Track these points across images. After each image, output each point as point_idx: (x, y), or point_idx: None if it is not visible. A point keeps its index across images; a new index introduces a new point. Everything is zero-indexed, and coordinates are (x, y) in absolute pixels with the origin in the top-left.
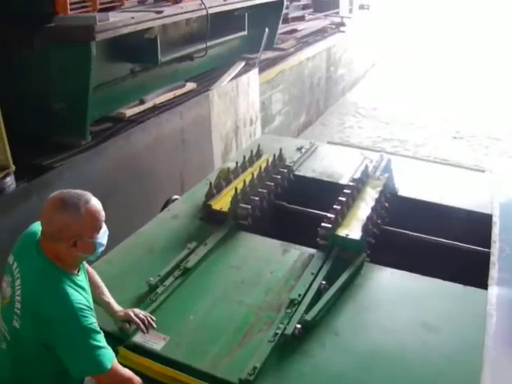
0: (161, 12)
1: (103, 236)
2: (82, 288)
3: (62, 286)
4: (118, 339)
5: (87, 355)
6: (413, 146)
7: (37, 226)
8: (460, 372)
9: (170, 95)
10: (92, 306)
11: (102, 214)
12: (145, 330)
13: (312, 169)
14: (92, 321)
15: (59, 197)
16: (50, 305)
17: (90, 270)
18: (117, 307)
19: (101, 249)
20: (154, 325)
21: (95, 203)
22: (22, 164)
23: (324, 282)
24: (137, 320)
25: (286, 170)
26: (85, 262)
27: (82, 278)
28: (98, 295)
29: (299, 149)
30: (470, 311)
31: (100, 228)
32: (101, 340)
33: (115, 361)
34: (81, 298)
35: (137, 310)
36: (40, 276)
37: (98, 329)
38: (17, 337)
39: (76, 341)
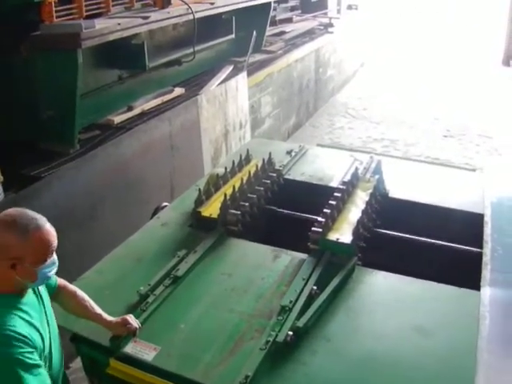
0: (147, 18)
1: (49, 268)
2: (24, 312)
3: None
4: (108, 350)
5: None
6: (403, 145)
7: None
8: (454, 375)
9: (158, 101)
10: (42, 331)
11: (52, 244)
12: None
13: (302, 172)
14: (21, 350)
15: (11, 214)
16: None
17: (71, 287)
18: (110, 317)
19: (45, 281)
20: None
21: (47, 232)
22: (9, 174)
23: (315, 288)
24: (136, 325)
25: (275, 174)
26: (63, 281)
27: (27, 301)
28: (86, 310)
29: (289, 152)
30: (463, 313)
31: (46, 258)
32: (30, 371)
33: None
34: (16, 324)
35: (132, 316)
36: None
37: (31, 360)
38: None
39: (3, 370)
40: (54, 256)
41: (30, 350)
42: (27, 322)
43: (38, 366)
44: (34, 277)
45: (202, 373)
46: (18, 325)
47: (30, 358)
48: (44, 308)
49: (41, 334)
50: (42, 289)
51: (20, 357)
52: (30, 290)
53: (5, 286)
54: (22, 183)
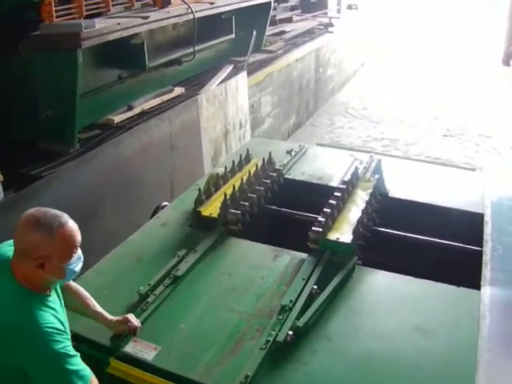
0: (147, 17)
1: (76, 263)
2: (53, 309)
3: (31, 310)
4: (108, 350)
5: (59, 382)
6: (403, 144)
7: (4, 247)
8: (455, 375)
9: (158, 100)
10: (66, 327)
11: (77, 239)
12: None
13: (302, 172)
14: (64, 344)
15: (34, 214)
16: (19, 331)
17: (74, 284)
18: (110, 316)
19: (72, 276)
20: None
21: (70, 228)
22: (10, 173)
23: (315, 287)
24: (136, 323)
25: (275, 174)
26: None
27: (52, 299)
28: (88, 308)
29: (289, 152)
30: (463, 312)
31: (72, 254)
32: (74, 363)
33: (91, 380)
34: (52, 320)
35: (133, 315)
36: (8, 300)
37: (71, 351)
38: None
39: (47, 367)
40: (79, 251)
41: (68, 343)
42: (56, 318)
43: (77, 356)
44: (62, 273)
45: (202, 372)
46: (53, 321)
47: (71, 350)
48: (62, 305)
49: (65, 329)
50: (58, 286)
51: (63, 350)
52: (53, 290)
53: (34, 285)
54: (21, 183)
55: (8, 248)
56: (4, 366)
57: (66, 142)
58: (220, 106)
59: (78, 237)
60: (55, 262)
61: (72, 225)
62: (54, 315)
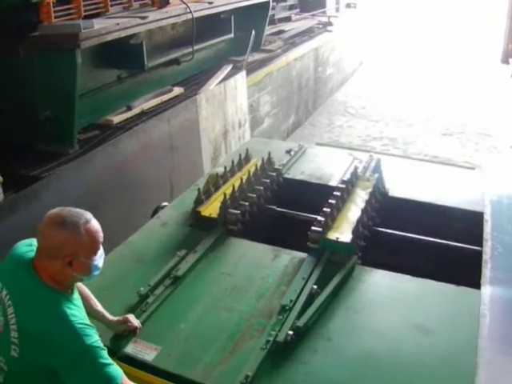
0: (145, 17)
1: (100, 259)
2: (79, 306)
3: (60, 308)
4: (109, 351)
5: (96, 375)
6: (402, 143)
7: (22, 248)
8: (455, 374)
9: (157, 100)
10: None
11: (101, 235)
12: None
13: (301, 171)
14: (95, 338)
15: (59, 214)
16: (51, 328)
17: (78, 284)
18: (111, 316)
19: (96, 272)
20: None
21: (95, 224)
22: (9, 174)
23: (315, 287)
24: (136, 324)
25: (274, 174)
26: None
27: (76, 296)
28: (90, 306)
29: (288, 151)
30: (463, 312)
31: (97, 249)
32: (106, 357)
33: (123, 375)
34: (81, 316)
35: (133, 315)
36: (36, 300)
37: (102, 345)
38: (15, 367)
39: (82, 362)
40: (101, 247)
41: (98, 337)
42: (83, 314)
43: (106, 350)
44: (88, 270)
45: (203, 373)
46: (83, 317)
47: (101, 344)
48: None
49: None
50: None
51: (95, 344)
52: (74, 289)
53: (61, 285)
54: (21, 184)
55: (26, 248)
56: (33, 364)
57: (65, 142)
58: (219, 105)
59: (102, 233)
60: (82, 258)
61: (95, 221)
62: (81, 312)
